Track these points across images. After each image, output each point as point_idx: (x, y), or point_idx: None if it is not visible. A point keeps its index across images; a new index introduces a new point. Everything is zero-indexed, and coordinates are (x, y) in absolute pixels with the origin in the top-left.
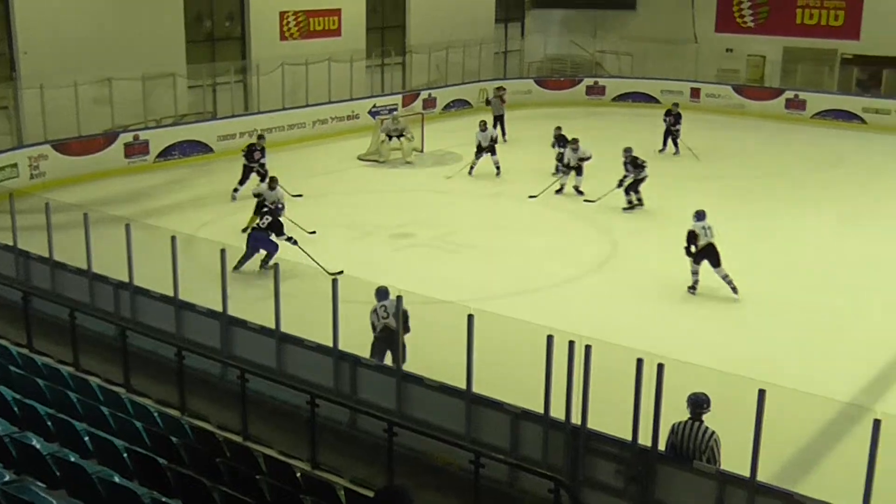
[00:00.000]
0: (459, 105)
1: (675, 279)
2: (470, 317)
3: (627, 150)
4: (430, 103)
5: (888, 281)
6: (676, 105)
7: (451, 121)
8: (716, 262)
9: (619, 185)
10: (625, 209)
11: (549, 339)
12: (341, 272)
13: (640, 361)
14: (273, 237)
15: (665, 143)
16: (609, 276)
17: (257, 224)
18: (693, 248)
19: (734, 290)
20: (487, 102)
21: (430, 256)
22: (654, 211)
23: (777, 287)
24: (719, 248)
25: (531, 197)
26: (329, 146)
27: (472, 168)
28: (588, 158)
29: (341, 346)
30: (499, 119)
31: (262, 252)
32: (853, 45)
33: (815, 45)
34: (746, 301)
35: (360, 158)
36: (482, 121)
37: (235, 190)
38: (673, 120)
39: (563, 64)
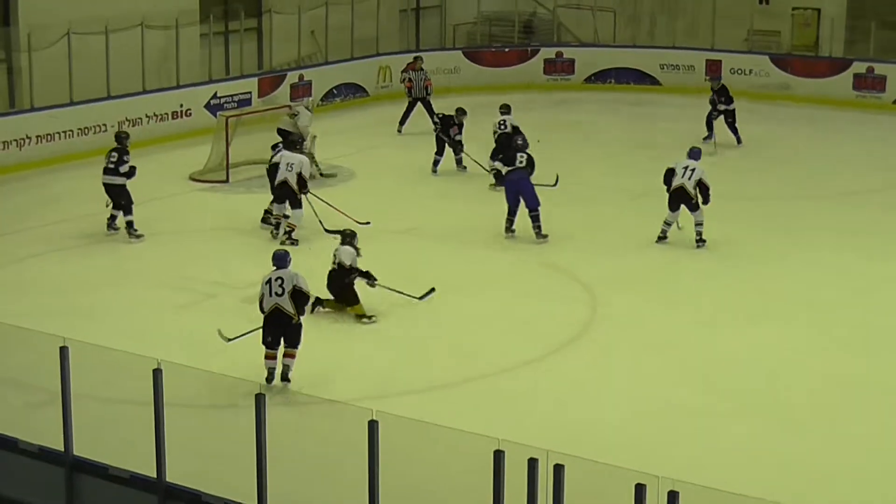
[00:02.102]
0: (348, 92)
1: (684, 354)
2: (372, 424)
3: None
4: (301, 90)
5: None
6: (718, 79)
7: (336, 117)
8: (693, 206)
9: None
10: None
11: (498, 455)
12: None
13: (640, 488)
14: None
15: (710, 129)
16: (584, 355)
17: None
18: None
19: (700, 241)
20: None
21: (309, 331)
22: (654, 249)
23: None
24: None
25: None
26: (144, 160)
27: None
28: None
29: None
30: (422, 103)
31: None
32: None
33: None
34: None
35: (193, 179)
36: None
37: None
38: (716, 97)
39: (507, 26)
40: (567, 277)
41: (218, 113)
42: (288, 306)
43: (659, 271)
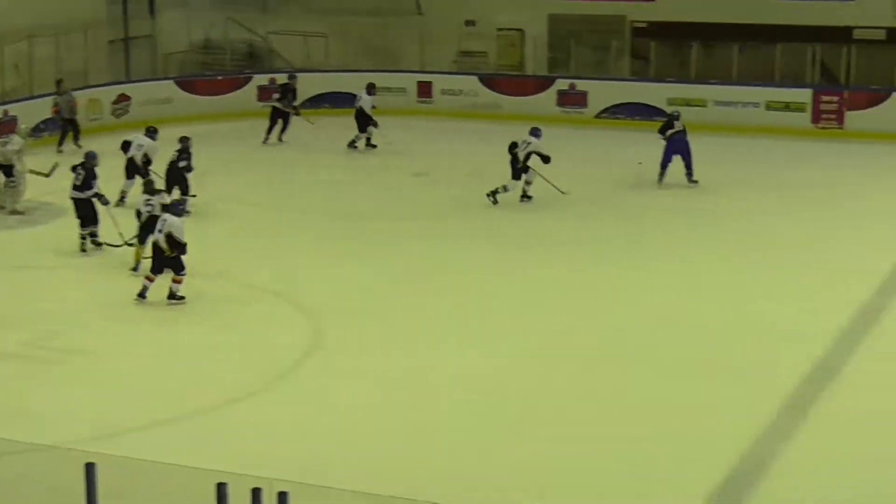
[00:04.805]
0: (56, 127)
1: (399, 377)
2: (89, 466)
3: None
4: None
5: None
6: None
7: (45, 151)
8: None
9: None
10: None
11: (221, 487)
12: None
13: None
14: None
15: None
16: (307, 385)
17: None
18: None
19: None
20: None
21: (19, 375)
22: (374, 274)
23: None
24: None
25: None
26: None
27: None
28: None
29: None
30: (71, 124)
31: None
32: (647, 8)
33: (595, 12)
34: None
35: None
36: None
37: None
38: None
39: (219, 54)
40: (285, 302)
41: None
42: (162, 242)
43: (379, 295)
